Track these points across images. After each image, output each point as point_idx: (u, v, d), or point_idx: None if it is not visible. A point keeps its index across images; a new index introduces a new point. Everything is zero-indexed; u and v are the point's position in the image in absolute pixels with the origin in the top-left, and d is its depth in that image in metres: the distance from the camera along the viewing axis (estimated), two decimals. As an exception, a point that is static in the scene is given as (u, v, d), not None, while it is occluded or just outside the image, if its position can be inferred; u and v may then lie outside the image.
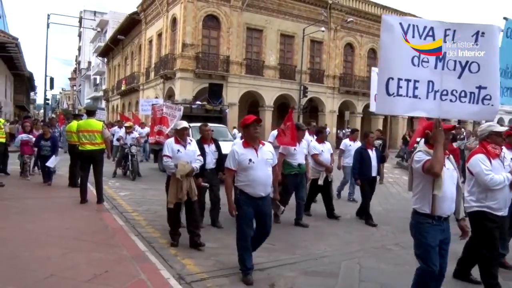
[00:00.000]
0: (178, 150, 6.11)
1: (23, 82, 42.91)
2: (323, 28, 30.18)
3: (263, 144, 5.03)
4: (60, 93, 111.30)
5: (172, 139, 6.31)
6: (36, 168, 12.99)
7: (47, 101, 46.16)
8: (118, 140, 14.58)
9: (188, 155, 6.20)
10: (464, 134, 12.78)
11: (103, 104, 54.28)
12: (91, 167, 8.92)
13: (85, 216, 7.72)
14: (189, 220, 6.22)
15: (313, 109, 33.70)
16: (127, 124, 15.11)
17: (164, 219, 7.87)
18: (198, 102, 16.77)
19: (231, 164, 4.89)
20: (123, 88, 41.43)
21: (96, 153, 8.83)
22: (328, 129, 29.47)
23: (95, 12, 65.90)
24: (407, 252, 5.73)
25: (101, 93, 58.65)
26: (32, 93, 66.56)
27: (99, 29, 56.64)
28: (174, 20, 29.00)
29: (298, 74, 30.90)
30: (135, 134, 14.46)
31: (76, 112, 26.39)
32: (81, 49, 75.07)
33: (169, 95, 17.03)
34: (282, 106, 31.20)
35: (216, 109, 16.18)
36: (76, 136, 9.69)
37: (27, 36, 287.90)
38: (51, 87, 39.34)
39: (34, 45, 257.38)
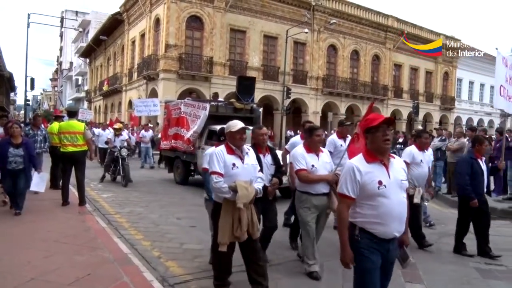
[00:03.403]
0: (234, 165, 4.25)
1: (3, 83, 41.96)
2: (306, 30, 30.31)
3: (393, 157, 3.38)
4: (41, 93, 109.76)
5: (221, 148, 4.36)
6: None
7: (27, 102, 45.40)
8: (106, 143, 13.64)
9: (247, 171, 4.34)
10: (444, 135, 12.94)
11: (85, 105, 53.68)
12: (73, 169, 8.83)
13: (67, 218, 7.62)
14: (251, 265, 4.47)
15: (296, 110, 33.86)
16: (116, 126, 13.92)
17: (148, 221, 7.90)
18: (220, 99, 13.91)
19: (349, 189, 3.17)
20: (105, 89, 41.04)
21: (78, 154, 8.73)
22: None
23: (76, 12, 65.14)
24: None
25: (83, 94, 58.01)
26: (12, 94, 65.41)
27: (81, 29, 55.95)
28: (157, 21, 28.85)
29: (282, 75, 30.98)
30: (125, 136, 13.30)
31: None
32: (62, 50, 74.10)
33: (190, 91, 14.77)
34: (266, 107, 31.22)
35: (247, 108, 13.11)
36: (57, 137, 9.56)
37: (7, 36, 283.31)
38: (32, 87, 38.66)
39: (14, 45, 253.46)
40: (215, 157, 4.25)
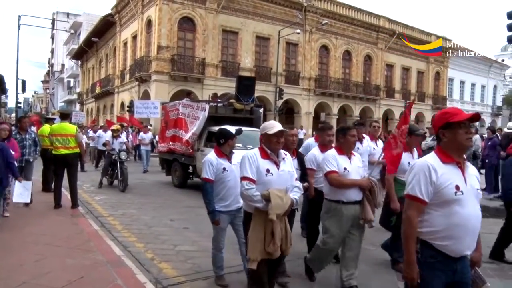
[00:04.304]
0: (268, 171, 3.77)
1: (-7, 85, 41.88)
2: (298, 30, 30.37)
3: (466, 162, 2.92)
4: (33, 96, 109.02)
5: (255, 152, 3.88)
6: None
7: (19, 105, 45.14)
8: (104, 145, 12.97)
9: (283, 179, 3.84)
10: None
11: (78, 107, 53.44)
12: (65, 171, 8.78)
13: (59, 221, 7.58)
14: (275, 275, 4.25)
15: (289, 110, 33.92)
16: (113, 127, 13.20)
17: (141, 223, 7.88)
18: (219, 100, 13.49)
19: (423, 191, 2.72)
20: (97, 91, 40.87)
21: (70, 157, 8.69)
22: (304, 131, 29.88)
23: (68, 14, 64.72)
24: (382, 251, 5.81)
25: (75, 96, 57.74)
26: (3, 96, 64.95)
27: (72, 31, 55.70)
28: (149, 22, 28.79)
29: (274, 76, 31.04)
30: (123, 139, 12.76)
31: (49, 116, 25.23)
32: (54, 52, 73.64)
33: (188, 92, 14.01)
34: (259, 108, 31.27)
35: (247, 108, 12.76)
36: (48, 140, 9.51)
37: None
38: (23, 90, 38.51)
39: (5, 47, 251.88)
40: (247, 160, 3.77)
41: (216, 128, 11.05)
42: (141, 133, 18.29)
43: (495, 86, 56.15)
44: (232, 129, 5.00)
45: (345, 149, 4.67)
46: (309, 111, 34.02)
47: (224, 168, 4.58)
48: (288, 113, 33.65)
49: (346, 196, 4.54)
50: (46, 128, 10.73)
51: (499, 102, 57.00)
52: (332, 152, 4.71)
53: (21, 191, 7.18)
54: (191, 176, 12.57)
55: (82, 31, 52.97)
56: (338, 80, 35.51)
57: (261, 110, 13.46)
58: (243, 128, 11.21)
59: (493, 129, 11.75)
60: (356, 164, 4.68)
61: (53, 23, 61.67)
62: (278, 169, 3.83)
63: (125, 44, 34.27)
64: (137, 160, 20.25)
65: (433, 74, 44.38)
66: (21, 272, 4.83)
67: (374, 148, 7.04)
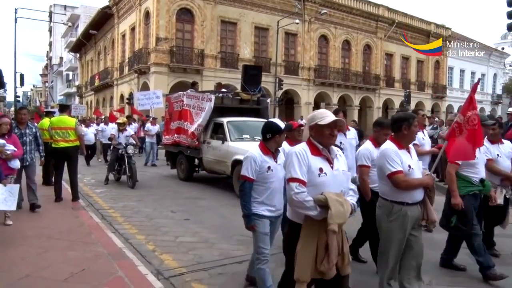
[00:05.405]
0: (321, 170, 3.10)
1: (-8, 79, 41.78)
2: (297, 20, 30.23)
3: None
4: (32, 89, 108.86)
5: (303, 147, 3.19)
6: None
7: (17, 98, 45.05)
8: (110, 139, 12.19)
9: (337, 180, 3.18)
10: (436, 123, 13.02)
11: (77, 100, 53.36)
12: (65, 164, 8.77)
13: (60, 214, 7.60)
14: None
15: (288, 101, 33.86)
16: (120, 120, 12.51)
17: (142, 215, 7.90)
18: (223, 90, 12.87)
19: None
20: (96, 83, 40.78)
21: (70, 150, 8.67)
22: (304, 121, 29.78)
23: (65, 6, 64.36)
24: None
25: (74, 89, 57.62)
26: (1, 91, 64.90)
27: (70, 24, 55.40)
28: (147, 14, 28.62)
29: (273, 66, 30.93)
30: (130, 132, 12.07)
31: (49, 109, 24.72)
32: (52, 45, 73.33)
33: (193, 82, 13.68)
34: (258, 99, 31.22)
35: (254, 99, 12.27)
36: (47, 133, 9.48)
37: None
38: (21, 83, 38.44)
39: (3, 41, 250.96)
40: (296, 158, 3.10)
41: (223, 119, 11.00)
42: (148, 125, 17.22)
43: (495, 75, 55.99)
44: (280, 123, 4.18)
45: (406, 142, 3.95)
46: (309, 101, 33.93)
47: (268, 167, 3.96)
48: (288, 103, 33.60)
49: (411, 197, 3.90)
50: (45, 121, 10.68)
51: (499, 91, 56.87)
52: (392, 147, 3.91)
53: (5, 197, 5.97)
54: (197, 169, 12.31)
55: (80, 23, 52.78)
56: (337, 70, 35.39)
57: (268, 100, 12.98)
58: (250, 119, 11.31)
59: (492, 117, 11.69)
60: (415, 159, 4.01)
61: (50, 16, 61.40)
62: (332, 168, 3.16)
63: (124, 36, 34.10)
64: (142, 152, 18.87)
65: (433, 63, 44.20)
66: (23, 265, 4.85)
67: (423, 138, 6.35)
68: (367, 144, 4.98)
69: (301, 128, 4.82)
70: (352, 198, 3.27)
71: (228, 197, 9.84)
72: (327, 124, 3.11)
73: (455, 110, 45.30)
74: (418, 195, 3.92)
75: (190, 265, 5.19)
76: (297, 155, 3.10)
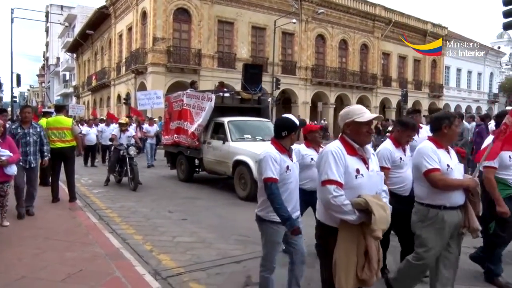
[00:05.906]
0: (358, 171, 2.89)
1: (-12, 80, 41.67)
2: (294, 20, 30.25)
3: None
4: (28, 90, 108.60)
5: (339, 145, 2.97)
6: None
7: (14, 99, 44.90)
8: (111, 140, 11.73)
9: (373, 181, 2.99)
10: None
11: (74, 100, 53.24)
12: (62, 165, 8.75)
13: (57, 215, 7.57)
14: None
15: (286, 100, 33.85)
16: (122, 121, 12.17)
17: (139, 215, 7.89)
18: (225, 90, 12.75)
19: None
20: (93, 84, 40.72)
21: (66, 150, 8.64)
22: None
23: (62, 7, 64.20)
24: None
25: (71, 90, 57.51)
26: (-2, 91, 64.91)
27: (67, 24, 55.31)
28: (144, 14, 28.59)
29: (270, 66, 30.92)
30: (131, 132, 11.77)
31: (46, 109, 24.42)
32: (49, 45, 73.18)
33: (192, 82, 13.48)
34: (256, 99, 31.22)
35: (254, 98, 12.11)
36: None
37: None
38: (18, 84, 38.33)
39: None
40: (333, 157, 2.85)
41: (224, 119, 10.88)
42: (146, 125, 17.17)
43: (491, 74, 56.14)
44: (295, 119, 3.86)
45: (446, 142, 3.75)
46: (306, 101, 33.96)
47: (287, 167, 3.62)
48: (285, 103, 33.58)
49: (450, 200, 3.63)
50: (43, 121, 10.64)
51: (495, 90, 57.05)
52: (429, 144, 3.72)
53: None
54: (197, 169, 12.18)
55: (76, 23, 52.61)
56: (334, 69, 35.44)
57: (269, 99, 12.69)
58: (251, 118, 11.25)
59: (483, 116, 11.60)
60: (455, 160, 3.77)
61: (47, 16, 61.26)
62: (368, 168, 2.95)
63: (121, 36, 34.05)
64: (141, 152, 18.68)
65: (430, 62, 44.29)
66: (20, 266, 4.83)
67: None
68: (387, 144, 4.63)
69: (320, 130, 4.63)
70: (386, 201, 3.04)
71: (226, 197, 9.84)
72: (365, 122, 2.91)
73: (452, 109, 45.46)
74: (458, 198, 3.66)
75: (187, 265, 5.17)
76: (334, 155, 2.86)
